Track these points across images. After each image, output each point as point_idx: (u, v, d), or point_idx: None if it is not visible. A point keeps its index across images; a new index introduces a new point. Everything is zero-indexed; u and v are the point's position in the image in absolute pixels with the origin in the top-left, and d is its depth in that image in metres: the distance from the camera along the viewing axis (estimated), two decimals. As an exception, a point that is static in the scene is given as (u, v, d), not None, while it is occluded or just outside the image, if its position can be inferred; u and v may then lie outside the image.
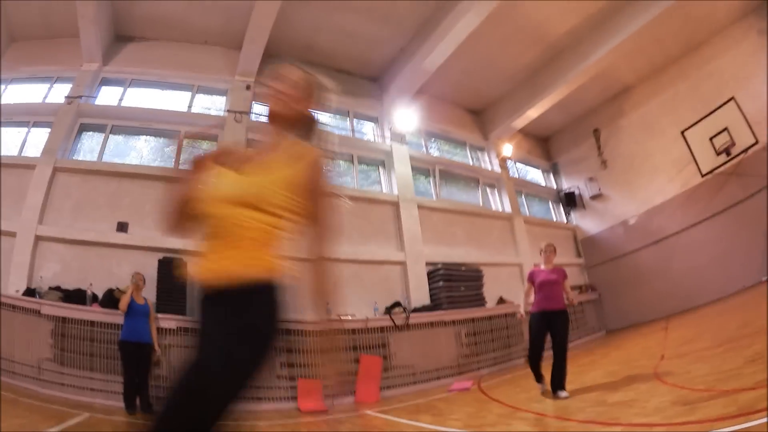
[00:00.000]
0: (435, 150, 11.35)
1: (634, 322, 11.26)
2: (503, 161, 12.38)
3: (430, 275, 8.99)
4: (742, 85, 9.99)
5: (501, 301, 9.61)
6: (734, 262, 10.10)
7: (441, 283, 8.68)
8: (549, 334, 4.67)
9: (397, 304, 8.10)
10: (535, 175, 14.61)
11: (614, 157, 13.08)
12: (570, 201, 13.86)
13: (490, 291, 9.70)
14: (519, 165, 14.04)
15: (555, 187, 14.61)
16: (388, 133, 10.32)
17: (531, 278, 5.06)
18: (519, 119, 11.92)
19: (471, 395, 5.89)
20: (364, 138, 10.26)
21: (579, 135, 13.98)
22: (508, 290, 10.18)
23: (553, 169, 14.95)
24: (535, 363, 4.80)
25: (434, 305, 8.48)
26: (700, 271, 10.69)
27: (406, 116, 10.31)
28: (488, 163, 12.33)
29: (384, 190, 9.79)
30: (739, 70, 10.39)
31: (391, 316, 7.58)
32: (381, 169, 10.26)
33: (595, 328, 11.90)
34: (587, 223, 13.74)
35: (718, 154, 10.06)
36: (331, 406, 5.79)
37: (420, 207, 9.74)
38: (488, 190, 12.16)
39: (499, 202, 12.06)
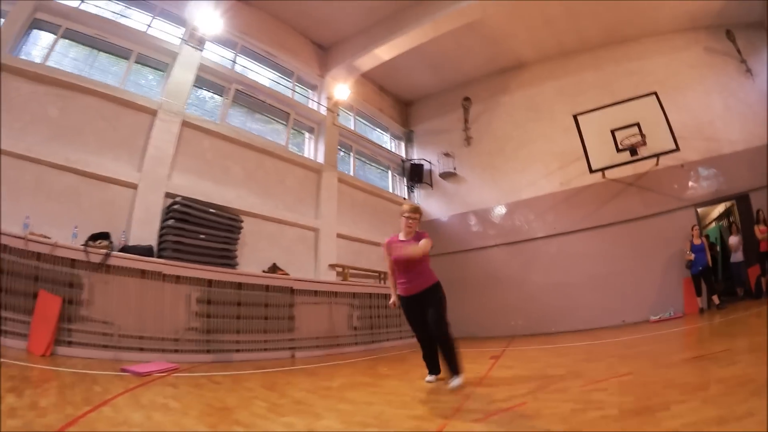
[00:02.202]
0: (241, 68, 9.95)
1: (471, 334, 10.71)
2: (334, 105, 11.43)
3: (168, 210, 7.51)
4: (670, 93, 9.91)
5: (274, 268, 8.70)
6: (615, 291, 10.07)
7: (171, 222, 7.25)
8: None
9: (105, 235, 6.53)
10: (383, 138, 13.96)
11: (483, 135, 12.83)
12: (415, 174, 13.42)
13: (261, 252, 8.80)
14: (365, 122, 13.31)
15: (403, 155, 14.19)
16: (184, 30, 8.80)
17: (387, 251, 4.56)
18: (363, 58, 11.03)
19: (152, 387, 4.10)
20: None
21: (447, 104, 13.59)
22: (291, 257, 9.33)
23: (407, 136, 14.40)
24: (424, 353, 4.52)
25: (160, 249, 7.14)
26: (566, 292, 10.57)
27: (212, 16, 8.82)
28: (315, 104, 11.33)
29: (150, 96, 8.13)
30: (670, 77, 10.42)
31: (87, 248, 5.98)
32: (156, 72, 8.59)
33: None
34: (432, 204, 13.38)
35: (620, 150, 9.83)
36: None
37: (188, 125, 8.29)
38: (306, 134, 11.22)
39: (313, 150, 11.14)
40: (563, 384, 3.76)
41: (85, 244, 6.12)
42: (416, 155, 14.16)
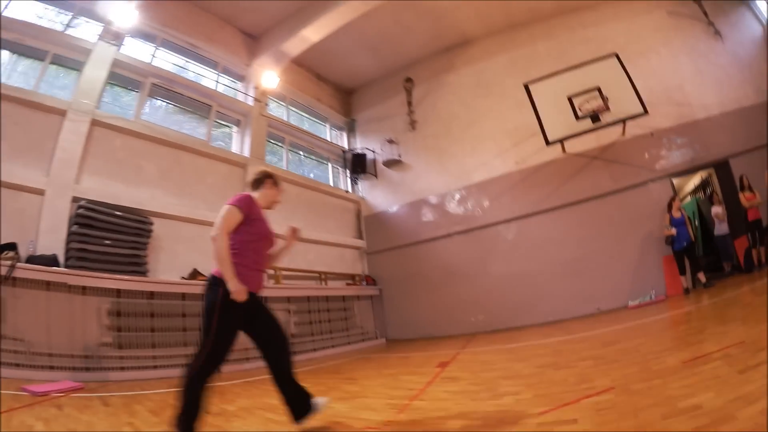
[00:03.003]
0: (162, 62, 10.05)
1: (424, 334, 11.00)
2: (262, 94, 11.51)
3: (76, 216, 7.52)
4: (632, 58, 9.68)
5: (195, 274, 8.68)
6: (586, 276, 9.78)
7: (75, 228, 7.35)
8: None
9: (11, 246, 6.58)
10: (322, 129, 14.16)
11: (428, 117, 12.90)
12: (358, 165, 13.54)
13: (180, 257, 8.82)
14: (301, 112, 13.52)
15: (344, 146, 14.36)
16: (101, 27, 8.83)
17: (250, 211, 3.29)
18: (291, 41, 11.03)
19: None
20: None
21: (390, 89, 13.70)
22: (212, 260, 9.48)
23: (350, 126, 14.56)
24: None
25: (67, 258, 7.21)
26: (530, 281, 10.29)
27: (127, 9, 8.88)
28: (242, 95, 11.47)
29: (62, 96, 8.22)
30: (631, 42, 10.22)
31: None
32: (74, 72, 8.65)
33: (371, 334, 11.67)
34: (377, 196, 13.58)
35: (580, 118, 9.42)
36: None
37: (98, 124, 8.34)
38: (234, 128, 11.42)
39: (240, 144, 11.28)
40: (516, 411, 2.96)
41: None
42: (360, 145, 14.28)
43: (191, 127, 10.39)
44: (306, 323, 9.77)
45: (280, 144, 12.48)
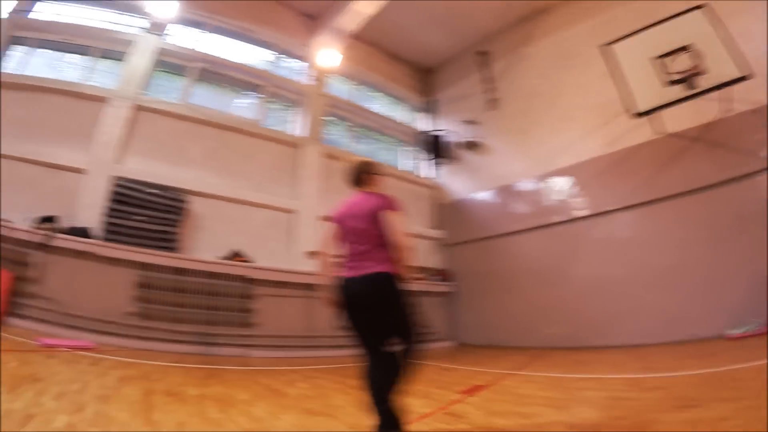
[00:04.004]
0: (211, 46, 10.34)
1: (495, 342, 9.86)
2: (321, 74, 11.30)
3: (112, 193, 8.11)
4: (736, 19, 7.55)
5: (234, 255, 8.62)
6: (680, 290, 7.78)
7: (109, 204, 7.88)
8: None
9: (52, 218, 7.51)
10: (398, 111, 13.59)
11: (508, 95, 11.77)
12: (434, 148, 12.69)
13: (220, 236, 8.86)
14: (373, 93, 13.09)
15: (423, 128, 13.50)
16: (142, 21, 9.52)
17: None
18: (346, 16, 10.65)
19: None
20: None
21: (468, 66, 12.74)
22: (259, 242, 9.21)
23: (429, 107, 13.74)
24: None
25: (107, 232, 7.76)
26: (610, 291, 8.69)
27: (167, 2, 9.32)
28: (299, 75, 11.39)
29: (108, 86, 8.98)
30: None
31: (34, 230, 7.11)
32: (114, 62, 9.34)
33: (441, 336, 10.62)
34: (454, 182, 12.61)
35: (673, 82, 7.69)
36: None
37: (143, 108, 8.88)
38: (293, 109, 11.24)
39: (297, 125, 11.08)
40: None
41: (34, 227, 7.16)
42: (440, 126, 13.39)
43: (243, 108, 10.54)
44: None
45: (344, 125, 12.14)
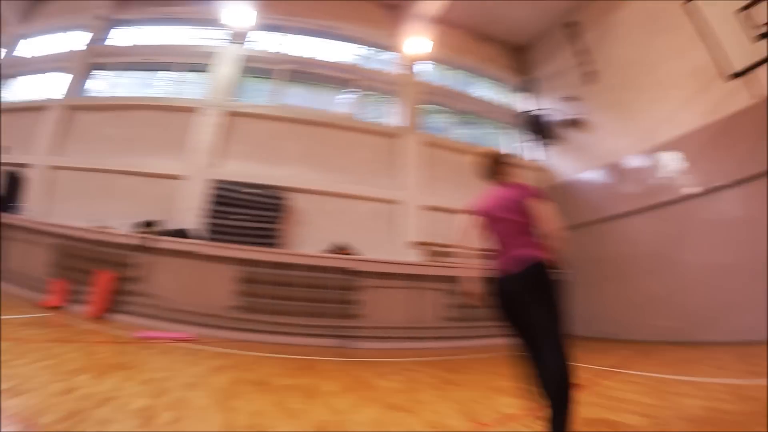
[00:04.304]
0: (292, 47, 10.43)
1: (605, 333, 8.89)
2: (411, 61, 10.92)
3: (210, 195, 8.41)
4: None
5: (336, 248, 8.44)
6: None
7: (208, 206, 8.15)
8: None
9: (153, 223, 8.01)
10: (494, 92, 12.77)
11: (604, 67, 10.77)
12: (535, 128, 11.75)
13: (322, 231, 8.74)
14: (467, 76, 12.40)
15: (521, 108, 12.54)
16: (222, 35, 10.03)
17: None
18: (428, 1, 10.31)
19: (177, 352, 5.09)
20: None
21: (561, 40, 11.82)
22: (362, 235, 9.00)
23: (527, 86, 12.75)
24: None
25: (210, 232, 8.08)
26: (722, 280, 7.46)
27: (242, 11, 9.66)
28: (389, 66, 11.07)
29: (197, 96, 9.55)
30: None
31: (134, 234, 7.63)
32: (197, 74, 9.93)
33: None
34: (561, 163, 11.60)
35: (762, 36, 6.64)
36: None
37: (235, 114, 9.20)
38: (385, 99, 10.83)
39: (392, 115, 10.68)
40: None
41: (135, 231, 7.72)
42: (541, 105, 12.28)
43: (337, 104, 10.35)
44: (464, 306, 8.43)
45: (443, 112, 11.72)
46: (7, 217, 8.50)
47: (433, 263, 8.55)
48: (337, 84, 10.44)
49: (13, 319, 5.66)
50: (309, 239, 8.60)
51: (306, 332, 7.11)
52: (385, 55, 11.28)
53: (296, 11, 10.51)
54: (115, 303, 7.16)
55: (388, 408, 3.31)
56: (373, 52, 11.26)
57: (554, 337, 2.59)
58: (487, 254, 2.93)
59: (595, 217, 9.91)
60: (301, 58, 10.23)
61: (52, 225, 8.02)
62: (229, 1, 9.62)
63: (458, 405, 3.40)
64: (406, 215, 9.51)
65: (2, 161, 9.54)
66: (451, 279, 7.90)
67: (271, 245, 8.05)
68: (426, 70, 11.48)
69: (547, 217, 2.77)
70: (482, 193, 3.08)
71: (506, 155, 3.12)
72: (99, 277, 7.16)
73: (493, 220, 2.90)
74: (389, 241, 9.23)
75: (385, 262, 8.12)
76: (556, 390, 2.45)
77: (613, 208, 9.58)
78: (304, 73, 10.14)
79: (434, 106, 11.36)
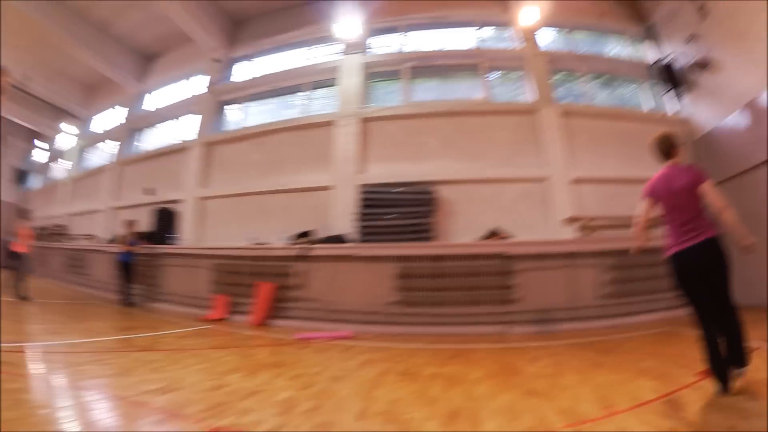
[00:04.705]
0: (410, 44, 10.43)
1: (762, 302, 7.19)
2: (529, 33, 10.34)
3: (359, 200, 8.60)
4: None
5: (491, 234, 8.08)
6: None
7: (359, 210, 8.36)
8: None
9: (307, 233, 8.43)
10: (619, 48, 11.45)
11: None
12: (669, 78, 10.31)
13: (475, 218, 8.45)
14: (588, 37, 11.45)
15: (651, 59, 11.02)
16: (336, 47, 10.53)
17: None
18: None
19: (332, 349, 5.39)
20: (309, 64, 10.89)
21: None
22: (515, 217, 8.56)
23: (649, 34, 11.33)
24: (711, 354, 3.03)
25: (363, 234, 8.28)
26: None
27: (351, 18, 9.97)
28: (507, 42, 10.57)
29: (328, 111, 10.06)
30: None
31: (293, 245, 8.16)
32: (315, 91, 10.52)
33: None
34: (703, 110, 9.93)
35: None
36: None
37: (369, 120, 9.43)
38: (513, 77, 10.33)
39: (523, 91, 10.12)
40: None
41: (292, 243, 8.27)
42: (664, 52, 10.79)
43: (467, 91, 10.11)
44: (622, 281, 7.56)
45: (574, 77, 10.87)
46: (165, 248, 9.80)
47: (589, 239, 7.91)
48: (462, 71, 10.20)
49: (174, 333, 6.32)
50: (462, 228, 8.48)
51: (463, 321, 6.96)
52: (504, 32, 10.85)
53: (405, 10, 10.60)
54: (276, 310, 7.71)
55: (526, 394, 3.26)
56: (490, 31, 10.90)
57: (729, 303, 3.03)
58: (662, 230, 3.37)
59: (744, 167, 8.42)
60: (421, 53, 10.22)
61: (210, 248, 9.19)
62: (338, 15, 10.01)
63: (597, 390, 3.31)
64: (556, 191, 8.88)
65: (152, 201, 11.30)
66: (608, 254, 7.27)
67: (425, 239, 8.08)
68: (547, 38, 10.90)
69: (715, 197, 3.11)
70: (656, 173, 3.43)
71: (675, 136, 3.45)
72: (260, 288, 7.85)
73: (667, 201, 3.28)
74: (542, 220, 8.71)
75: (540, 243, 7.66)
76: (731, 348, 2.99)
77: (757, 154, 8.01)
78: (428, 67, 10.07)
79: (564, 73, 10.61)
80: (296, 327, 7.15)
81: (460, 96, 9.97)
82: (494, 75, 10.33)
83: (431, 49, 10.38)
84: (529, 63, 10.17)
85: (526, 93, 10.06)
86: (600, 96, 10.76)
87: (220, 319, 7.97)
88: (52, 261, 13.57)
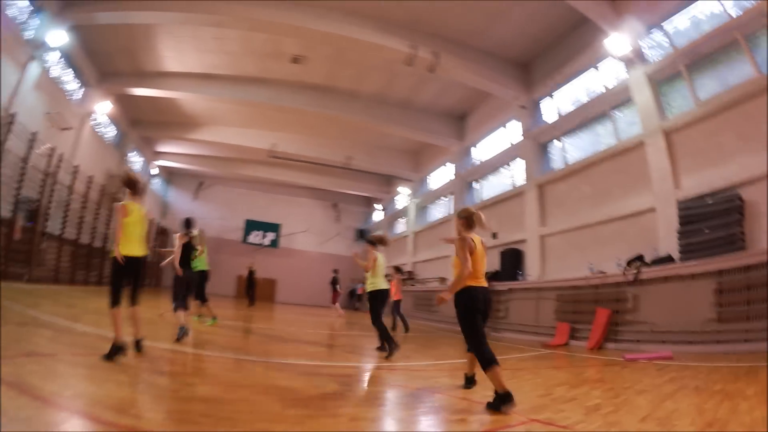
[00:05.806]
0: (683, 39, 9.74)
1: None
2: None
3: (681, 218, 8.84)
4: None
5: None
6: None
7: (677, 228, 8.70)
8: None
9: (638, 258, 9.05)
10: None
11: None
12: None
13: None
14: None
15: None
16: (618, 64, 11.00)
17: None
18: None
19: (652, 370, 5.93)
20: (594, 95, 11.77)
21: None
22: None
23: None
24: None
25: (682, 252, 8.67)
26: None
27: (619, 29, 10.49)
28: None
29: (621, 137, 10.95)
30: None
31: (624, 272, 9.05)
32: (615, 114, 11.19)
33: None
34: None
35: None
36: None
37: (669, 132, 9.59)
38: None
39: None
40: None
41: (624, 270, 9.30)
42: None
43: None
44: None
45: None
46: (513, 284, 12.14)
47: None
48: (737, 49, 8.99)
49: (517, 357, 7.74)
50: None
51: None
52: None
53: (666, 6, 10.21)
54: (610, 334, 8.93)
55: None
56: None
57: None
58: None
59: None
60: (695, 41, 9.56)
61: (554, 281, 10.94)
62: (608, 30, 10.68)
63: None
64: None
65: (499, 243, 13.48)
66: None
67: (737, 249, 7.88)
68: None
69: None
70: None
71: None
72: (598, 314, 9.12)
73: None
74: None
75: None
76: None
77: None
78: (710, 53, 9.35)
79: None
80: (624, 349, 8.38)
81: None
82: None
83: (701, 34, 9.48)
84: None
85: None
86: None
87: (562, 345, 9.50)
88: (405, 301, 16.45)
